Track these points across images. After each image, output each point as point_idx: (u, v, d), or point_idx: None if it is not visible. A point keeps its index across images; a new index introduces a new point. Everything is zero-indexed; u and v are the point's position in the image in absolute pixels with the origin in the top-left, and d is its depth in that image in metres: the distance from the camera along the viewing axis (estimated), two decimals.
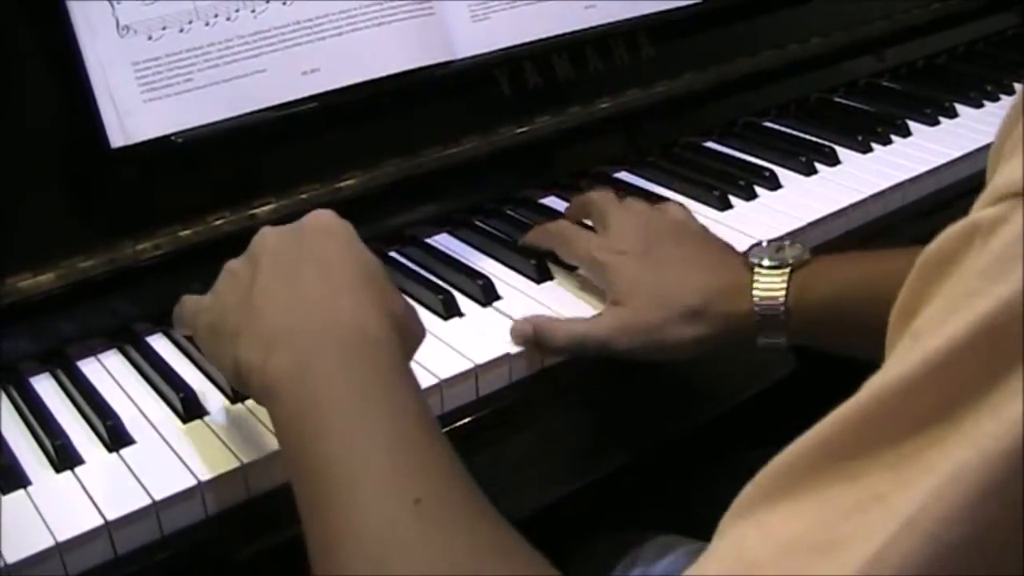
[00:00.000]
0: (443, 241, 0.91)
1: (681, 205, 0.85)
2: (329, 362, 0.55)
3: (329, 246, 0.61)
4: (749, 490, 0.40)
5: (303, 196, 0.83)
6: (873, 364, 0.38)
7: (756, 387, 0.91)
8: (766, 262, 0.73)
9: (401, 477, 0.51)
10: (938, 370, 0.35)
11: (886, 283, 0.68)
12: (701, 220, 0.84)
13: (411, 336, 0.61)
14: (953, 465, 0.34)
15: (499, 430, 0.74)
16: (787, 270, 0.72)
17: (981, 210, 0.37)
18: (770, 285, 0.72)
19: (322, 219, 0.62)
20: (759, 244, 0.76)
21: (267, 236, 0.62)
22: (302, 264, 0.60)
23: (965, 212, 0.40)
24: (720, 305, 0.73)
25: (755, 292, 0.72)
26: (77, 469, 0.65)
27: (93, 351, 0.77)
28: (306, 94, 0.81)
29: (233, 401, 0.70)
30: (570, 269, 0.84)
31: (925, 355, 0.35)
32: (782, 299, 0.72)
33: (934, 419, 0.35)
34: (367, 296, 0.58)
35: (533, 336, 0.75)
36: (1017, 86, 1.21)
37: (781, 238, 0.88)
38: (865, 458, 0.36)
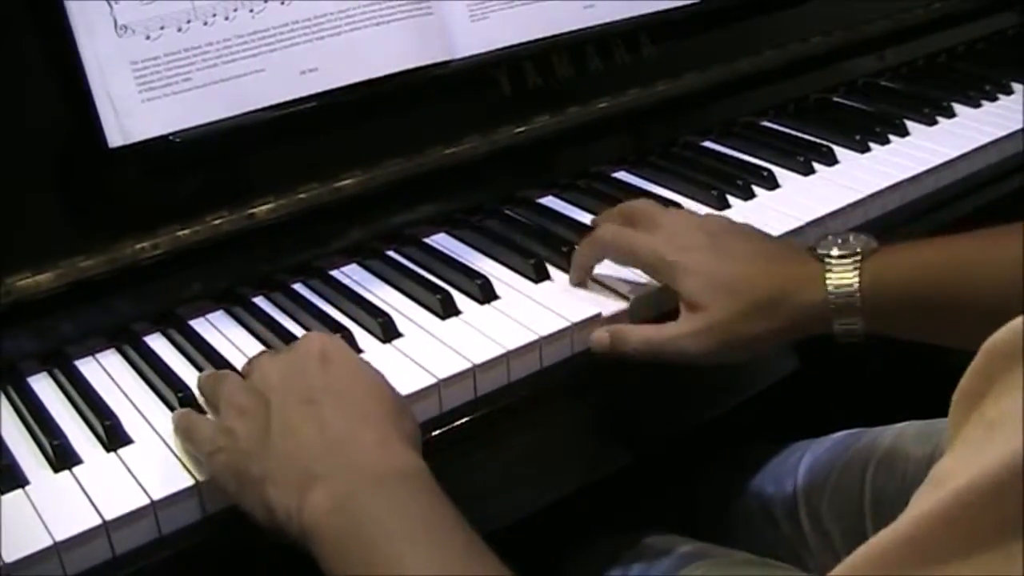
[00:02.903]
0: (441, 241, 0.91)
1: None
2: (367, 496, 0.57)
3: (333, 374, 0.62)
4: None
5: (302, 196, 0.83)
6: (939, 350, 0.37)
7: (759, 386, 0.91)
8: (835, 251, 0.72)
9: None
10: (1020, 475, 0.34)
11: (956, 269, 0.68)
12: None
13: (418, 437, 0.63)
14: None
15: (497, 430, 0.74)
16: (857, 258, 0.71)
17: None
18: (842, 273, 0.71)
19: (318, 343, 0.64)
20: (825, 237, 0.74)
21: (268, 369, 0.63)
22: (315, 399, 0.61)
23: (963, 212, 0.40)
24: (796, 295, 0.72)
25: (828, 281, 0.71)
26: (75, 469, 0.65)
27: (92, 351, 0.77)
28: (305, 94, 0.81)
29: None
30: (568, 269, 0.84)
31: (1007, 459, 0.34)
32: (856, 286, 0.70)
33: (1019, 525, 0.34)
34: (388, 426, 0.60)
35: (610, 344, 0.76)
36: (1016, 86, 1.21)
37: (779, 238, 0.88)
38: (949, 562, 0.36)
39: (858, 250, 0.72)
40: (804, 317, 0.72)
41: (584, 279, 0.83)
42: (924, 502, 0.37)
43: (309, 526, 0.56)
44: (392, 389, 0.64)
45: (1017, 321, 0.37)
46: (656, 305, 0.81)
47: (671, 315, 0.76)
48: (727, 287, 0.73)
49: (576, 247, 0.83)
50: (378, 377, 0.64)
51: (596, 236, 0.81)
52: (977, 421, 0.37)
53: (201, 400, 0.70)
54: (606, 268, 0.83)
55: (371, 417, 0.60)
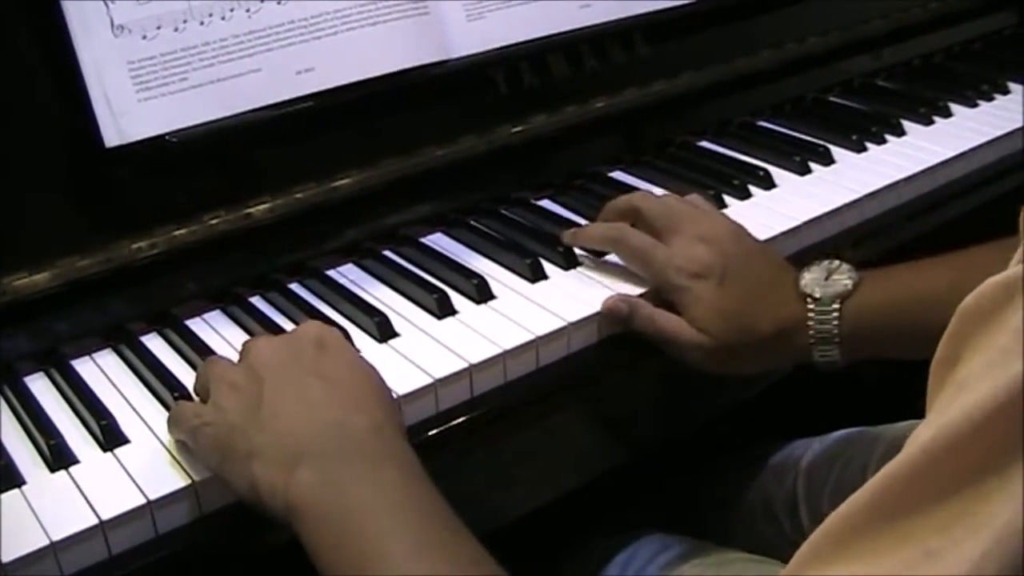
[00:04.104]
0: (438, 240, 0.91)
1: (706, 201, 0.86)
2: (353, 476, 0.57)
3: (329, 360, 0.62)
4: (804, 550, 0.41)
5: (298, 195, 0.83)
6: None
7: (758, 386, 0.91)
8: (817, 293, 0.76)
9: (439, 572, 0.53)
10: (982, 426, 0.35)
11: (933, 297, 0.71)
12: None
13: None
14: (1003, 522, 0.34)
15: (494, 430, 0.74)
16: (837, 305, 0.75)
17: (1019, 264, 0.38)
18: (823, 318, 0.75)
19: (315, 331, 0.64)
20: (810, 268, 0.78)
21: (263, 349, 0.64)
22: (307, 381, 0.61)
23: (960, 212, 0.40)
24: (787, 337, 0.76)
25: (809, 324, 0.76)
26: (72, 468, 0.65)
27: (88, 350, 0.77)
28: (301, 93, 0.81)
29: None
30: (566, 269, 0.84)
31: (969, 410, 0.36)
32: (836, 330, 0.75)
33: (980, 474, 0.35)
34: (381, 414, 0.61)
35: (628, 314, 0.78)
36: (1013, 86, 1.21)
37: (775, 238, 0.88)
38: (914, 515, 0.37)
39: (840, 290, 0.75)
40: (795, 352, 0.77)
41: (579, 247, 0.86)
42: (892, 464, 0.38)
43: (294, 502, 0.56)
44: (384, 383, 0.65)
45: (988, 282, 0.38)
46: (653, 305, 0.81)
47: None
48: (730, 324, 0.76)
49: (592, 224, 0.86)
50: (372, 368, 0.64)
51: (618, 237, 0.83)
52: (949, 385, 0.39)
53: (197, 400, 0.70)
54: (607, 267, 0.83)
55: (364, 404, 0.61)
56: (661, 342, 0.78)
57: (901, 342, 0.74)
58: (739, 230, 0.82)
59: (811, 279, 0.77)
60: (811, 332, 0.75)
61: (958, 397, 0.37)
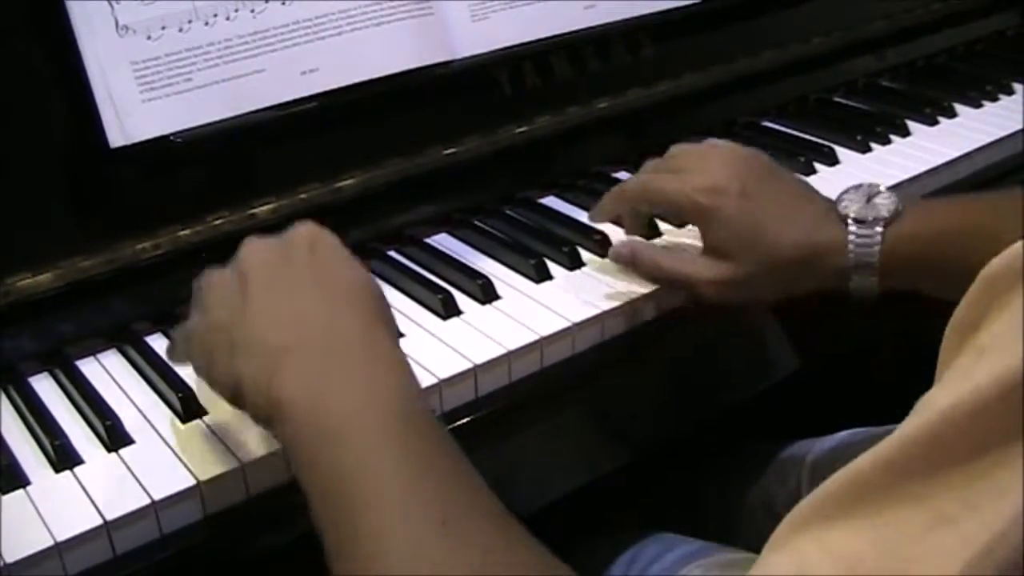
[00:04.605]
0: (442, 241, 0.91)
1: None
2: (341, 378, 0.55)
3: (321, 261, 0.60)
4: (806, 504, 0.40)
5: (303, 196, 0.83)
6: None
7: (760, 384, 0.91)
8: (858, 214, 0.73)
9: (426, 498, 0.50)
10: (1008, 393, 0.34)
11: (979, 231, 0.68)
12: None
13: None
14: None
15: (498, 430, 0.74)
16: (880, 228, 0.72)
17: None
18: (865, 241, 0.72)
19: (308, 231, 0.62)
20: (848, 192, 0.75)
21: (253, 247, 0.62)
22: (297, 279, 0.59)
23: None
24: (817, 261, 0.73)
25: (850, 247, 0.72)
26: (76, 469, 0.65)
27: (92, 351, 0.77)
28: (305, 94, 0.81)
29: None
30: (571, 269, 0.84)
31: (998, 375, 0.35)
32: (877, 254, 0.72)
33: (1004, 440, 0.34)
34: (369, 314, 0.58)
35: (630, 259, 0.77)
36: (1016, 86, 1.21)
37: None
38: (932, 478, 0.36)
39: (883, 215, 0.72)
40: (824, 277, 0.74)
41: (602, 221, 0.85)
42: (907, 427, 0.37)
43: (277, 400, 0.54)
44: (377, 286, 0.62)
45: (1015, 246, 0.37)
46: (656, 306, 0.81)
47: (672, 317, 0.76)
48: (755, 243, 0.73)
49: (605, 194, 0.84)
50: (365, 271, 0.62)
51: (624, 184, 0.81)
52: (969, 349, 0.38)
53: (202, 399, 0.70)
54: (613, 267, 0.83)
55: (356, 305, 0.58)
56: (672, 284, 0.76)
57: (940, 275, 0.70)
58: (759, 153, 0.80)
59: (852, 200, 0.74)
60: (851, 256, 0.72)
61: (981, 361, 0.36)
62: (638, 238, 0.78)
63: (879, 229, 0.72)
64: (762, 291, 0.76)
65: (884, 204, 0.74)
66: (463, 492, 0.52)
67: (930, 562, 0.35)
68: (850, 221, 0.73)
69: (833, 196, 0.77)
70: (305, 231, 0.62)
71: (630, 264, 0.78)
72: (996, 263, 0.38)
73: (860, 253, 0.72)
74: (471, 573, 0.49)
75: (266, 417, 0.56)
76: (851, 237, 0.73)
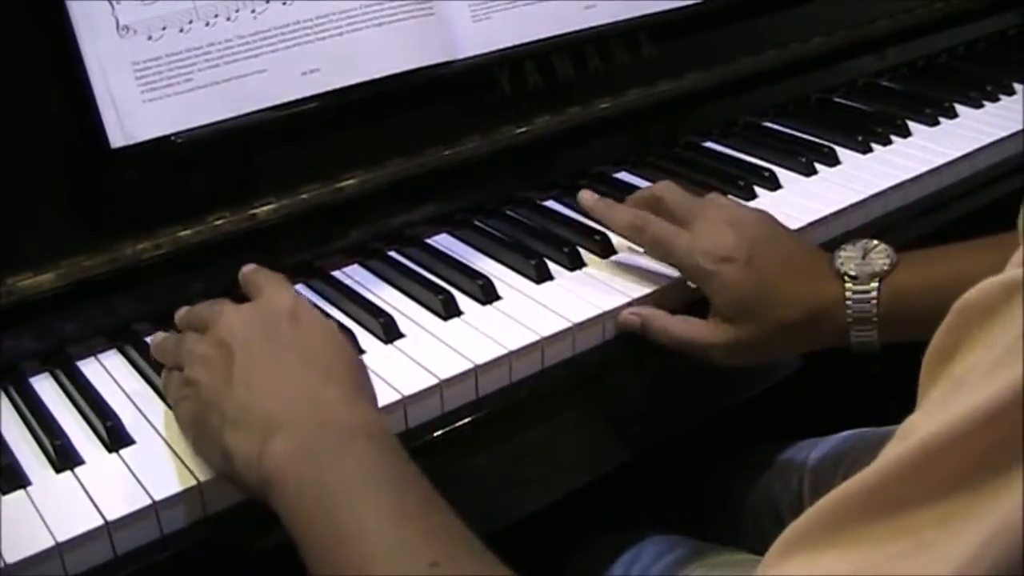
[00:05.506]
0: (443, 241, 0.91)
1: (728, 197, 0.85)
2: (328, 445, 0.57)
3: (300, 333, 0.62)
4: (794, 528, 0.41)
5: (303, 196, 0.83)
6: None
7: (762, 385, 0.91)
8: (854, 271, 0.74)
9: (414, 544, 0.53)
10: (983, 427, 0.35)
11: (974, 279, 0.69)
12: None
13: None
14: (1000, 518, 0.34)
15: (499, 430, 0.74)
16: (876, 283, 0.74)
17: (1018, 266, 0.38)
18: (861, 296, 0.74)
19: (288, 303, 0.64)
20: (844, 248, 0.77)
21: (231, 320, 0.63)
22: (279, 352, 0.61)
23: (965, 212, 0.40)
24: (821, 320, 0.75)
25: (847, 304, 0.74)
26: (77, 469, 0.65)
27: (93, 351, 0.77)
28: (306, 94, 0.81)
29: None
30: (571, 269, 0.84)
31: (970, 411, 0.36)
32: (874, 310, 0.73)
33: (980, 472, 0.35)
34: (354, 386, 0.61)
35: (640, 328, 0.78)
36: (1017, 86, 1.21)
37: None
38: (912, 507, 0.37)
39: (878, 269, 0.74)
40: (826, 337, 0.75)
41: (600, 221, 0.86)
42: (889, 454, 0.38)
43: (269, 472, 0.56)
44: (354, 351, 0.65)
45: (989, 280, 0.39)
46: (657, 306, 0.81)
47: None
48: (759, 308, 0.75)
49: (616, 206, 0.84)
50: (345, 340, 0.64)
51: (641, 225, 0.81)
52: (946, 378, 0.39)
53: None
54: (613, 268, 0.83)
55: (338, 376, 0.61)
56: (680, 350, 0.77)
57: (939, 323, 0.72)
58: (764, 215, 0.81)
59: (847, 258, 0.75)
60: (848, 312, 0.74)
61: (957, 393, 0.37)
62: (649, 309, 0.79)
63: (875, 284, 0.74)
64: (770, 352, 0.78)
65: (878, 259, 0.75)
66: (452, 536, 0.54)
67: None
68: (846, 278, 0.75)
69: (835, 196, 0.78)
70: (285, 303, 0.64)
71: (640, 330, 0.78)
72: (970, 295, 0.39)
73: (858, 309, 0.74)
74: None
75: (258, 489, 0.57)
76: (848, 294, 0.74)
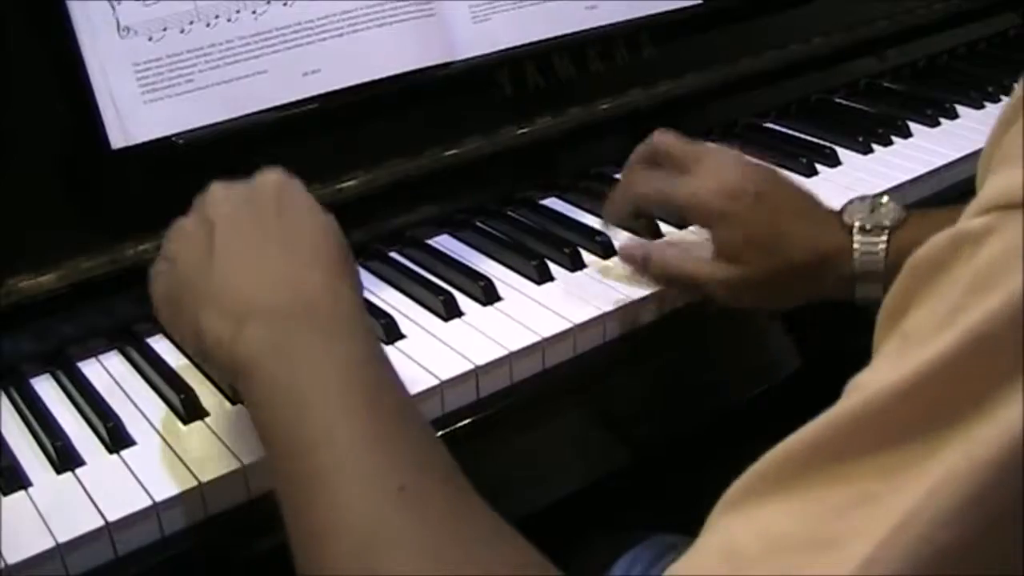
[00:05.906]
0: (444, 242, 0.91)
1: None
2: (305, 342, 0.54)
3: (287, 215, 0.60)
4: (737, 485, 0.41)
5: None
6: None
7: (762, 385, 0.91)
8: (863, 223, 0.73)
9: (384, 464, 0.50)
10: (929, 381, 0.35)
11: None
12: None
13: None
14: (945, 470, 0.34)
15: (500, 431, 0.74)
16: (885, 236, 0.72)
17: (969, 220, 0.38)
18: (869, 249, 0.72)
19: (276, 181, 0.62)
20: (852, 201, 0.75)
21: (219, 195, 0.61)
22: (264, 231, 0.59)
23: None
24: (825, 269, 0.74)
25: (855, 255, 0.73)
26: (78, 470, 0.65)
27: (94, 352, 0.77)
28: (307, 95, 0.81)
29: (233, 402, 0.70)
30: (572, 270, 0.84)
31: (917, 366, 0.36)
32: (882, 261, 0.72)
33: (926, 426, 0.35)
34: (335, 272, 0.58)
35: (640, 262, 0.77)
36: (1016, 87, 1.21)
37: None
38: (857, 460, 0.37)
39: (886, 223, 0.73)
40: (829, 287, 0.74)
41: (617, 224, 0.85)
42: (835, 409, 0.38)
43: (241, 360, 0.54)
44: (343, 237, 0.62)
45: (937, 237, 0.38)
46: (657, 307, 0.81)
47: (673, 319, 0.76)
48: (767, 247, 0.73)
49: (607, 199, 0.83)
50: (331, 223, 0.62)
51: (628, 186, 0.80)
52: (896, 334, 0.39)
53: (201, 402, 0.70)
54: (614, 269, 0.83)
55: (321, 259, 0.58)
56: (682, 285, 0.76)
57: None
58: (765, 164, 0.80)
59: (856, 210, 0.74)
60: (856, 264, 0.73)
61: (904, 349, 0.37)
62: (651, 242, 0.78)
63: (884, 237, 0.72)
64: (772, 296, 0.76)
65: (888, 213, 0.74)
66: (423, 458, 0.52)
67: (850, 538, 0.36)
68: (855, 229, 0.73)
69: (836, 196, 0.77)
70: (273, 180, 0.62)
71: (640, 265, 0.77)
72: (921, 251, 0.39)
73: (865, 261, 0.72)
74: (429, 539, 0.48)
75: (229, 372, 0.56)
76: (856, 245, 0.73)
